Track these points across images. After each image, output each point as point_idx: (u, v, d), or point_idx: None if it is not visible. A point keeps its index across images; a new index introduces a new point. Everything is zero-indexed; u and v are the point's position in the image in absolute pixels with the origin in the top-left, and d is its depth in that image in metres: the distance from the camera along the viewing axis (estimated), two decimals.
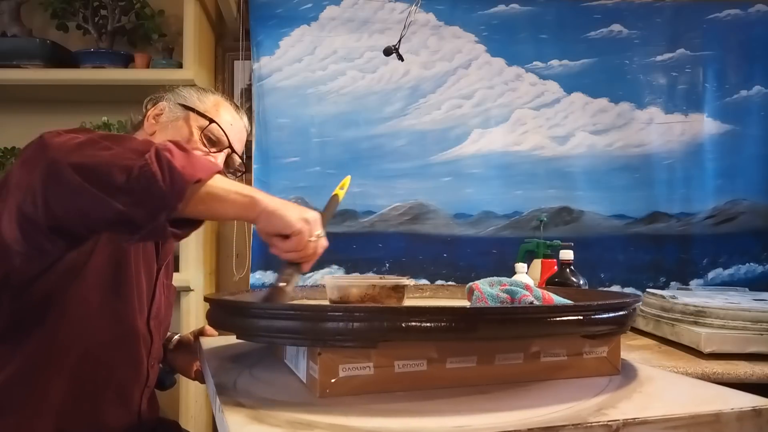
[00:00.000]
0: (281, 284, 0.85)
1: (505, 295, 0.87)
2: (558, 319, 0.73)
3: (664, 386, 0.76)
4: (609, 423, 0.60)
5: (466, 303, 0.93)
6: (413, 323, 0.66)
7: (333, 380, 0.70)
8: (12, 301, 0.91)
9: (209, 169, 0.74)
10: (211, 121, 1.09)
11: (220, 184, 0.75)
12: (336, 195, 1.01)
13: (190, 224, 0.77)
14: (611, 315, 0.77)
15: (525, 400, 0.69)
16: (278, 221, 0.78)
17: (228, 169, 1.14)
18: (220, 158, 1.09)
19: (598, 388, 0.74)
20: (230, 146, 1.11)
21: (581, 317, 0.74)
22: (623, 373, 0.82)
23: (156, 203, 0.70)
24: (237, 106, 1.18)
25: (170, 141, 0.76)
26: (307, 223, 0.81)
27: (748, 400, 0.68)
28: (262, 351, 0.99)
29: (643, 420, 0.61)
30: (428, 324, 0.66)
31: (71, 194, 0.71)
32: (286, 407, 0.67)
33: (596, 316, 0.75)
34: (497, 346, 0.75)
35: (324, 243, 0.86)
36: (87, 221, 0.74)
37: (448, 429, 0.58)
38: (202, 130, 1.08)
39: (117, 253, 1.01)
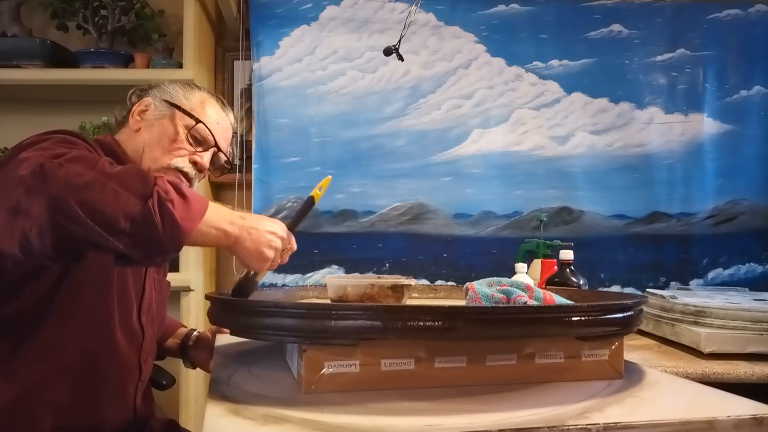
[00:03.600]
0: (251, 274, 0.94)
1: (500, 296, 0.86)
2: (541, 320, 0.71)
3: (665, 391, 0.74)
4: (588, 426, 0.58)
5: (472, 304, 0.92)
6: (392, 322, 0.67)
7: (318, 377, 0.71)
8: (5, 304, 0.92)
9: (202, 211, 0.80)
10: (198, 121, 1.08)
11: (208, 224, 0.81)
12: (311, 197, 0.99)
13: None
14: (603, 317, 0.75)
15: (510, 402, 0.68)
16: (244, 259, 0.87)
17: (213, 167, 1.14)
18: (206, 157, 1.10)
19: (593, 392, 0.72)
20: (216, 145, 1.11)
21: (567, 318, 0.72)
22: (628, 377, 0.80)
23: (154, 248, 0.76)
24: (223, 102, 1.18)
25: (170, 182, 0.78)
26: (269, 254, 0.87)
27: (750, 408, 0.65)
28: (269, 349, 0.99)
29: (627, 425, 0.59)
30: (408, 323, 0.67)
31: (78, 228, 0.73)
32: (268, 402, 0.68)
33: (585, 318, 0.73)
34: (488, 347, 0.74)
35: (292, 248, 0.94)
36: (91, 247, 0.78)
37: (418, 428, 0.58)
38: (189, 129, 1.07)
39: None
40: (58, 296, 0.95)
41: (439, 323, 0.67)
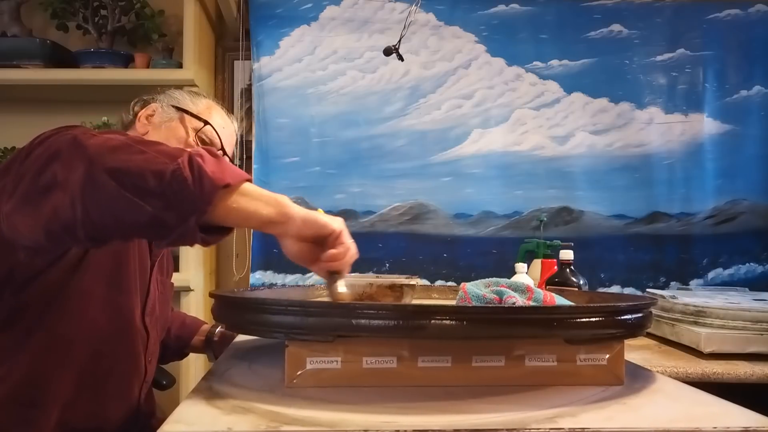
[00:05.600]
0: (342, 290, 0.81)
1: (493, 296, 0.85)
2: (515, 321, 0.69)
3: (661, 399, 0.71)
4: (550, 430, 0.57)
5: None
6: (362, 321, 0.67)
7: (299, 372, 0.72)
8: (14, 295, 0.92)
9: (239, 175, 0.74)
10: (206, 122, 1.10)
11: (249, 190, 0.75)
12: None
13: (220, 231, 0.77)
14: (593, 319, 0.71)
15: (487, 404, 0.66)
16: (314, 223, 0.77)
17: None
18: None
19: (581, 397, 0.69)
20: (222, 148, 1.12)
21: (546, 320, 0.69)
22: (631, 384, 0.76)
23: (186, 207, 0.70)
24: (227, 110, 1.20)
25: (203, 147, 0.76)
26: (334, 223, 0.79)
27: (745, 419, 0.61)
28: (279, 346, 1.00)
29: (594, 431, 0.57)
30: (378, 321, 0.67)
31: (107, 200, 0.71)
32: (246, 395, 0.70)
33: (574, 320, 0.70)
34: (474, 347, 0.73)
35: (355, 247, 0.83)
36: (121, 227, 0.74)
37: (375, 423, 0.58)
38: (197, 131, 1.10)
39: (117, 247, 1.02)
40: (69, 291, 0.95)
41: (408, 322, 0.66)
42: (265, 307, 0.75)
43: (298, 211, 0.76)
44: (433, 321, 0.66)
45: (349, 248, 0.80)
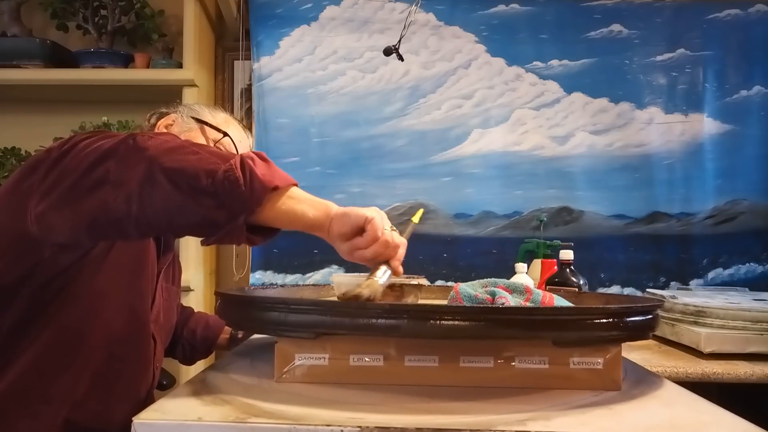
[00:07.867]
0: (363, 290, 0.79)
1: (485, 296, 0.85)
2: (496, 321, 0.68)
3: (651, 405, 0.68)
4: None
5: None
6: (338, 318, 0.69)
7: (288, 368, 0.74)
8: (33, 292, 0.92)
9: (287, 179, 0.78)
10: (225, 134, 1.13)
11: (297, 193, 0.79)
12: (412, 222, 0.99)
13: (266, 232, 0.80)
14: (578, 321, 0.70)
15: (465, 404, 0.66)
16: (351, 216, 0.80)
17: None
18: None
19: (567, 400, 0.67)
20: None
21: (526, 321, 0.68)
22: (630, 389, 0.74)
23: (237, 206, 0.74)
24: (244, 125, 1.23)
25: (253, 152, 0.80)
26: (377, 212, 0.81)
27: (731, 430, 0.59)
28: None
29: None
30: (354, 320, 0.68)
31: (162, 197, 0.74)
32: (231, 388, 0.72)
33: (558, 322, 0.69)
34: (462, 347, 0.72)
35: (400, 236, 0.85)
36: (173, 223, 0.78)
37: (340, 419, 0.59)
38: (216, 142, 1.12)
39: (137, 251, 1.03)
40: (87, 290, 0.95)
41: (383, 321, 0.67)
42: (255, 305, 0.78)
43: (338, 209, 0.80)
44: (406, 320, 0.67)
45: (376, 237, 0.79)
